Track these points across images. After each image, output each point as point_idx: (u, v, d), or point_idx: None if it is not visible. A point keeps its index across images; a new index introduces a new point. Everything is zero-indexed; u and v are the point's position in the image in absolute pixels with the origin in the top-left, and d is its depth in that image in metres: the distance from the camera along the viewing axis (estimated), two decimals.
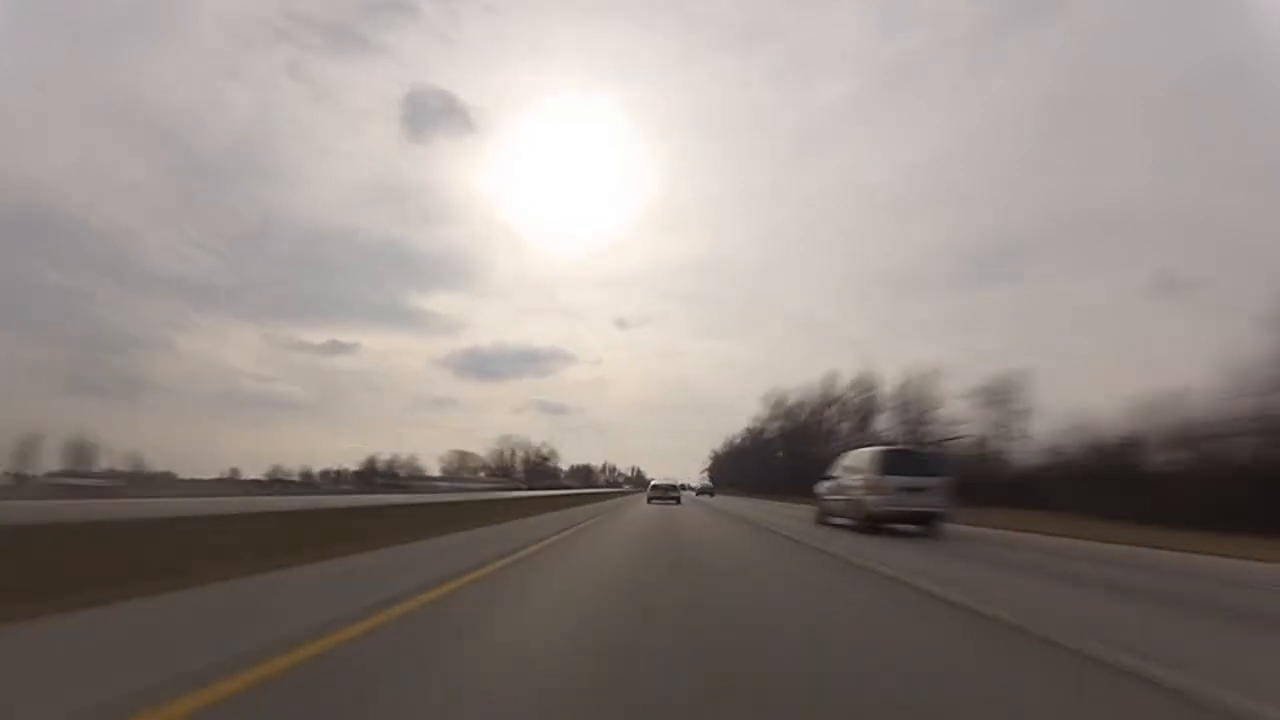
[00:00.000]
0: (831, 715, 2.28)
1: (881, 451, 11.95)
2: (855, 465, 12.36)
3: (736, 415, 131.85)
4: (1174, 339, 56.92)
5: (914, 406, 42.87)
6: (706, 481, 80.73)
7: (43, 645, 2.98)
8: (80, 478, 50.33)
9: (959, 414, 38.06)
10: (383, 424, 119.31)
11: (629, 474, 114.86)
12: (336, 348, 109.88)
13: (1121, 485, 21.19)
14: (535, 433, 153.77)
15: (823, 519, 13.57)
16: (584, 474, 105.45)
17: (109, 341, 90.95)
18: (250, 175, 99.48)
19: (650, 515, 17.55)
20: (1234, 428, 20.40)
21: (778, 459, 59.90)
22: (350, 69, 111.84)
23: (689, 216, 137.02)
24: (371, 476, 76.23)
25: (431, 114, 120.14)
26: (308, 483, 73.16)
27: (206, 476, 65.10)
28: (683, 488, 47.71)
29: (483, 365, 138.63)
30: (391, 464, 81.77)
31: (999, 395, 35.30)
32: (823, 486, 14.06)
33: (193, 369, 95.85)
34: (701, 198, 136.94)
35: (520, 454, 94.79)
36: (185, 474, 63.53)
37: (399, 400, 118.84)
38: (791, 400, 61.97)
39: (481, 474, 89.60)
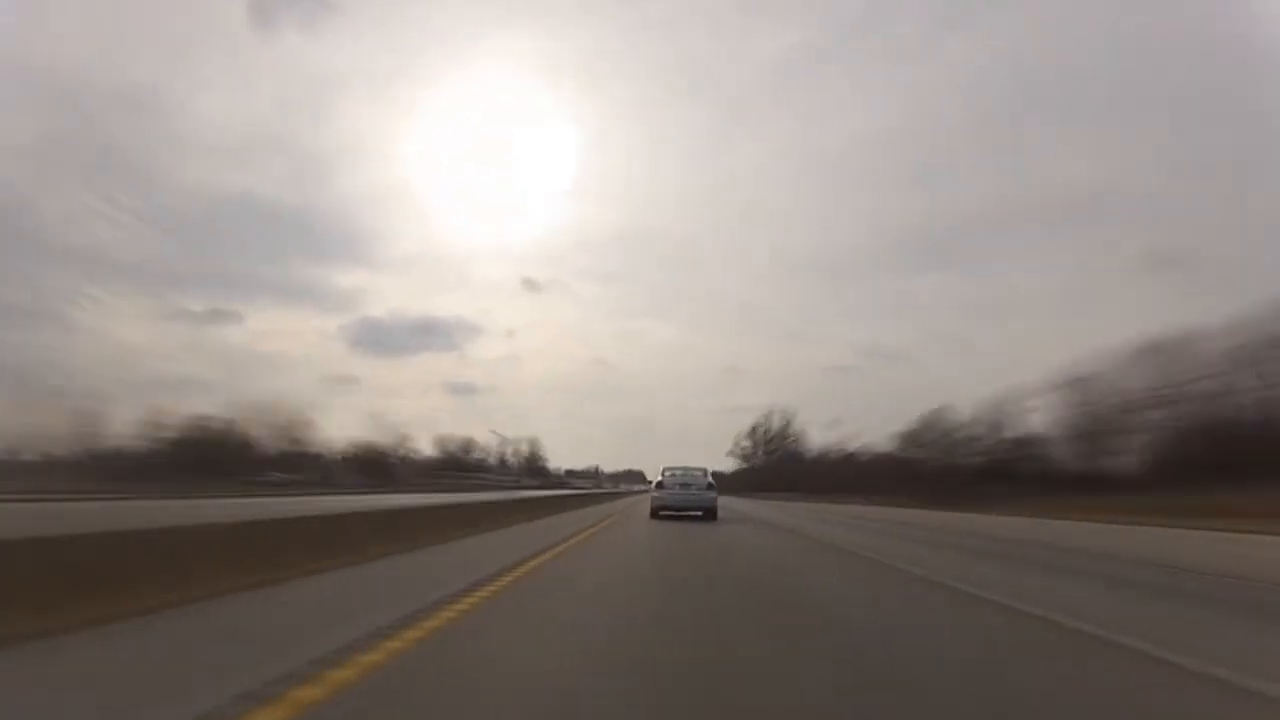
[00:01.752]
0: None
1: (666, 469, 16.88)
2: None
3: (660, 404, 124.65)
4: None
5: None
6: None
7: None
8: None
9: None
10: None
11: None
12: (219, 316, 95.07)
13: None
14: (444, 416, 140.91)
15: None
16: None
17: None
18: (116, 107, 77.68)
19: None
20: None
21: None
22: None
23: (612, 183, 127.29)
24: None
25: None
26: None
27: None
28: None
29: (384, 340, 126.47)
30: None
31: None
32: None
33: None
34: (626, 163, 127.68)
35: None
36: None
37: (298, 378, 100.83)
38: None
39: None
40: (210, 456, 39.66)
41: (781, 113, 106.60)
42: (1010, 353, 75.34)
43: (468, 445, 77.54)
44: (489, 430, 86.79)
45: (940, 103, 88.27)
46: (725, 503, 22.10)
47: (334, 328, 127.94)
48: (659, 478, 16.48)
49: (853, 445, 62.45)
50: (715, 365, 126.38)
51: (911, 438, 49.34)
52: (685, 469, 16.75)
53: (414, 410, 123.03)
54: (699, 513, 15.79)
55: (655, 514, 15.55)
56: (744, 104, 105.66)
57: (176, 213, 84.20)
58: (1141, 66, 73.90)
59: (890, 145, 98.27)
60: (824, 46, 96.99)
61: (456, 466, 70.65)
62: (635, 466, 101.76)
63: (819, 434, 78.40)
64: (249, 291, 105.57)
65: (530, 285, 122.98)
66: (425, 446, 70.56)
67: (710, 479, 16.59)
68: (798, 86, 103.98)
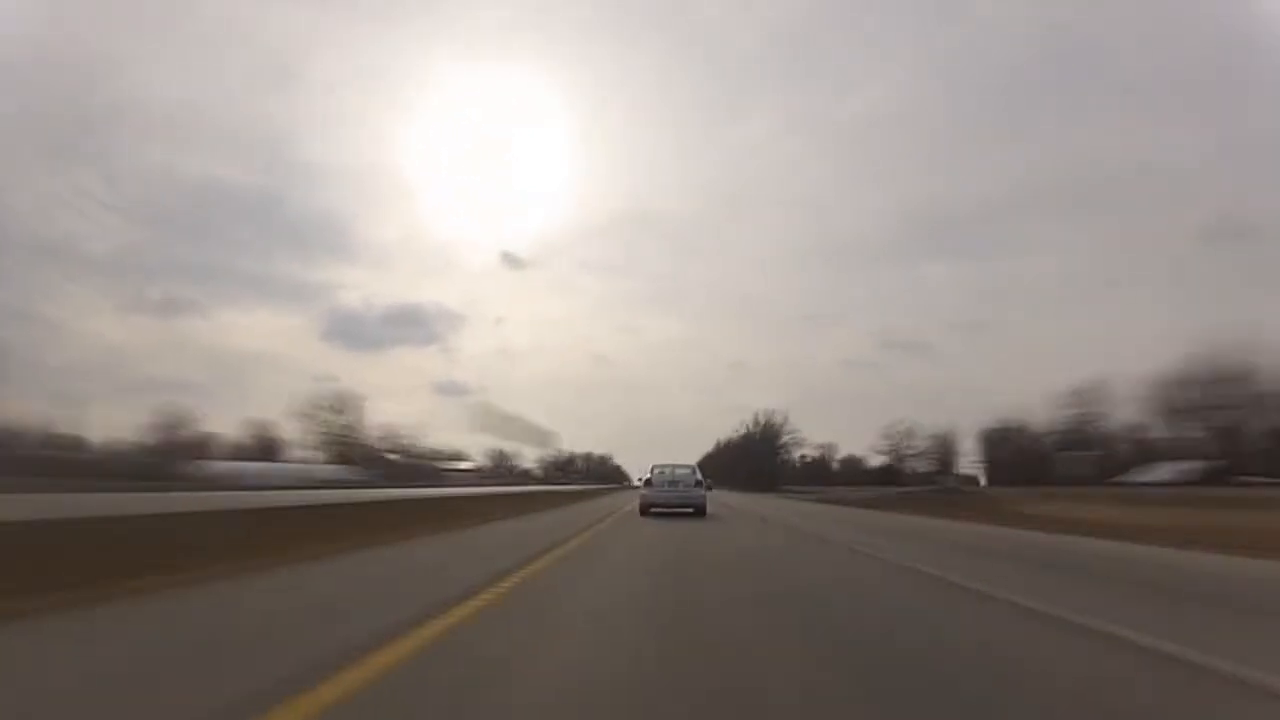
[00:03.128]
0: None
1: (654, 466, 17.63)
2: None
3: (663, 402, 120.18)
4: None
5: None
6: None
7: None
8: None
9: None
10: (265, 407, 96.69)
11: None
12: (183, 310, 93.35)
13: None
14: (436, 419, 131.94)
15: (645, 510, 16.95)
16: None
17: None
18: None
19: None
20: None
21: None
22: None
23: (611, 164, 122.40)
24: None
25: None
26: None
27: None
28: None
29: (361, 332, 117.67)
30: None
31: None
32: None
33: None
34: (625, 139, 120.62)
35: None
36: None
37: (279, 382, 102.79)
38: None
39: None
40: None
41: (789, 89, 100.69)
42: (1039, 345, 75.18)
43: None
44: None
45: (960, 77, 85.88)
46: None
47: (311, 322, 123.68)
48: (647, 475, 17.20)
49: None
50: (721, 360, 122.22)
51: None
52: (673, 466, 17.30)
53: (403, 407, 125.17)
54: (690, 509, 16.24)
55: (645, 511, 16.07)
56: (749, 80, 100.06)
57: (146, 200, 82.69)
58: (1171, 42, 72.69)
59: (908, 122, 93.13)
60: (836, 15, 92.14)
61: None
62: (617, 462, 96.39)
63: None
64: (220, 285, 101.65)
65: (524, 283, 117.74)
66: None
67: (699, 475, 17.00)
68: (807, 52, 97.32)
